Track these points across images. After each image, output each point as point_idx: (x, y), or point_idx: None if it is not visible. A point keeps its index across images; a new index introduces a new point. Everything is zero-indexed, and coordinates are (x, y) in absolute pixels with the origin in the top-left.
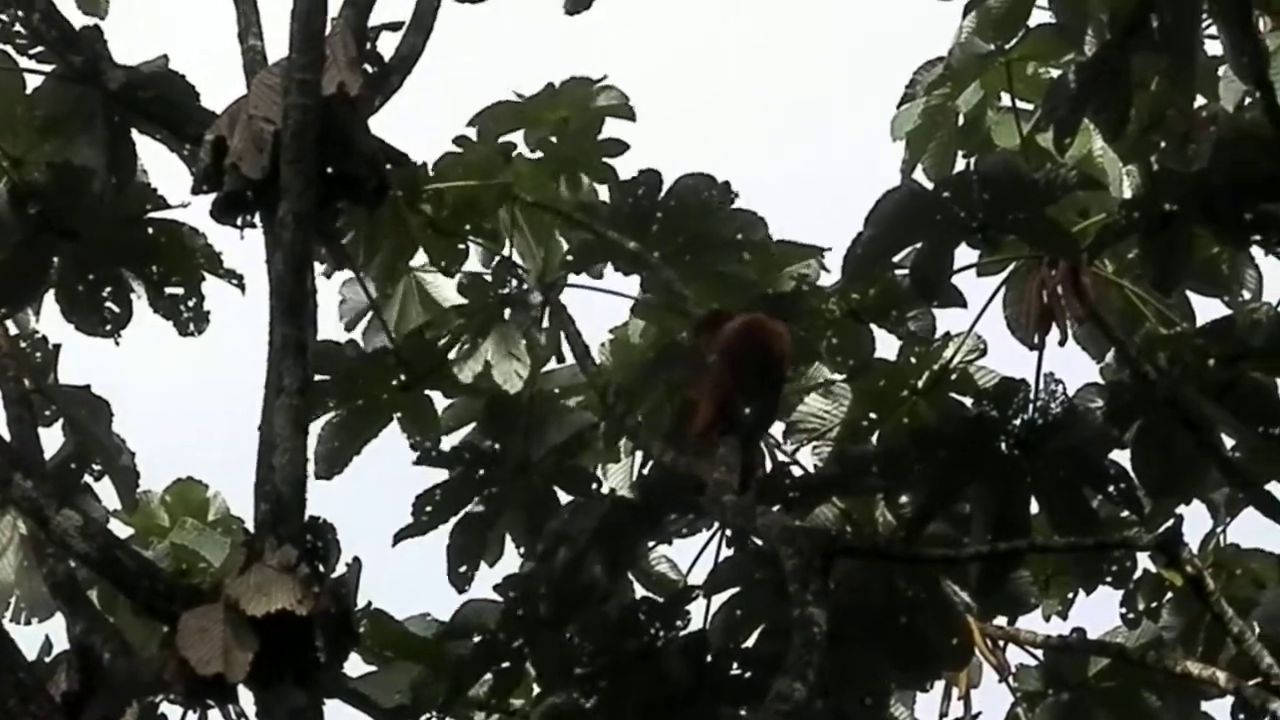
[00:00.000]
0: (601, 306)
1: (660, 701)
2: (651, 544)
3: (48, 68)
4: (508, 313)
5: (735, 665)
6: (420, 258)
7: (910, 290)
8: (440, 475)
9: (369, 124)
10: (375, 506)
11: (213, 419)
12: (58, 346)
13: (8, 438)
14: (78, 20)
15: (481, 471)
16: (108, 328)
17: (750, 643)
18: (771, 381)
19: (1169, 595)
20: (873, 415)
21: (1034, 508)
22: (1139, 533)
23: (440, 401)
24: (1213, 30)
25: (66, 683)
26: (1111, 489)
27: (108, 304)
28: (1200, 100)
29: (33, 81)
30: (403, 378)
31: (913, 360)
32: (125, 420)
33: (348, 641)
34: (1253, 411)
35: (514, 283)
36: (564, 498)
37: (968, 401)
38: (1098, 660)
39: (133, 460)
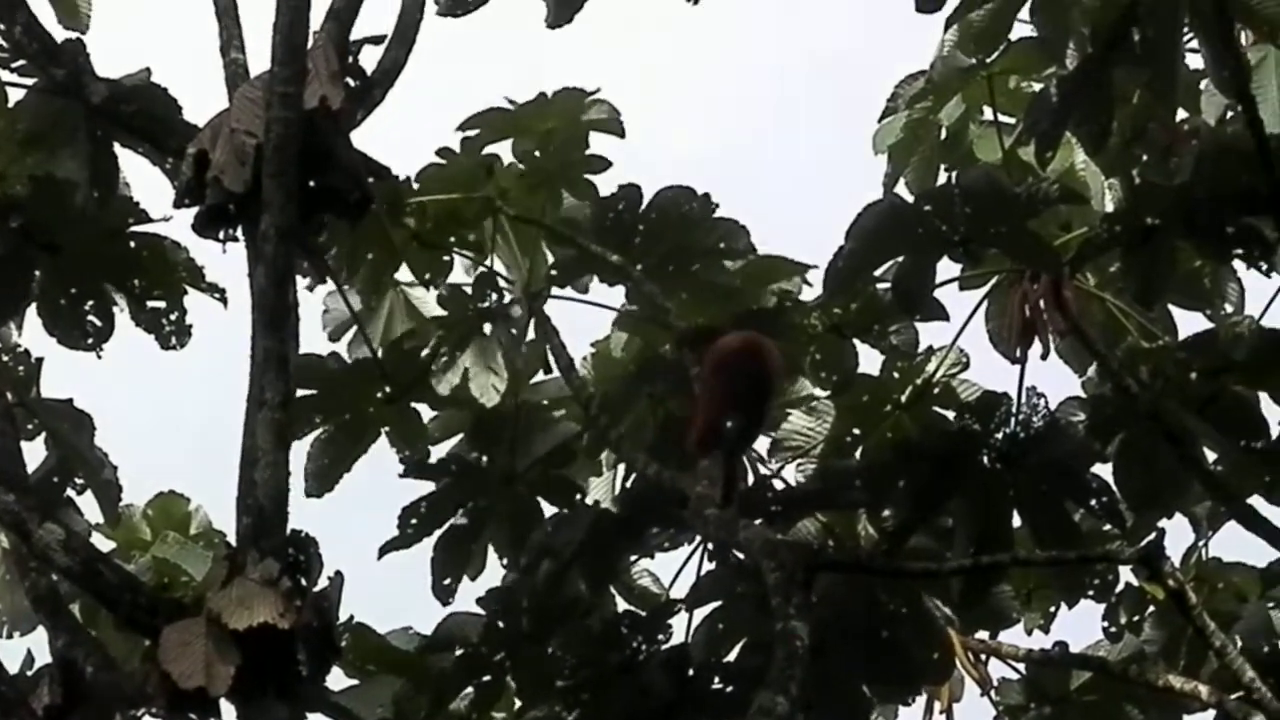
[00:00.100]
0: (587, 319)
1: (642, 715)
2: (634, 557)
3: (30, 81)
4: (488, 327)
5: (717, 679)
6: (406, 271)
7: (892, 304)
8: (426, 487)
9: (351, 137)
10: (357, 519)
11: (195, 433)
12: (40, 360)
13: None
14: (59, 34)
15: (466, 483)
16: (90, 341)
17: (732, 656)
18: (764, 399)
19: (1151, 609)
20: (856, 430)
21: (1016, 521)
22: (1121, 546)
23: (427, 414)
24: (1194, 44)
25: (49, 696)
26: (1093, 502)
27: (90, 317)
28: (1182, 114)
29: (14, 95)
30: (387, 390)
31: (895, 375)
32: (107, 434)
33: (330, 655)
34: (1235, 425)
35: (494, 296)
36: (548, 510)
37: (950, 415)
38: (1080, 674)
39: (115, 474)
